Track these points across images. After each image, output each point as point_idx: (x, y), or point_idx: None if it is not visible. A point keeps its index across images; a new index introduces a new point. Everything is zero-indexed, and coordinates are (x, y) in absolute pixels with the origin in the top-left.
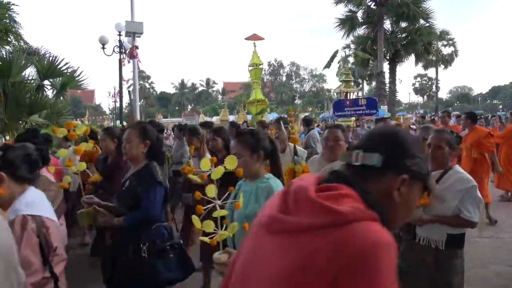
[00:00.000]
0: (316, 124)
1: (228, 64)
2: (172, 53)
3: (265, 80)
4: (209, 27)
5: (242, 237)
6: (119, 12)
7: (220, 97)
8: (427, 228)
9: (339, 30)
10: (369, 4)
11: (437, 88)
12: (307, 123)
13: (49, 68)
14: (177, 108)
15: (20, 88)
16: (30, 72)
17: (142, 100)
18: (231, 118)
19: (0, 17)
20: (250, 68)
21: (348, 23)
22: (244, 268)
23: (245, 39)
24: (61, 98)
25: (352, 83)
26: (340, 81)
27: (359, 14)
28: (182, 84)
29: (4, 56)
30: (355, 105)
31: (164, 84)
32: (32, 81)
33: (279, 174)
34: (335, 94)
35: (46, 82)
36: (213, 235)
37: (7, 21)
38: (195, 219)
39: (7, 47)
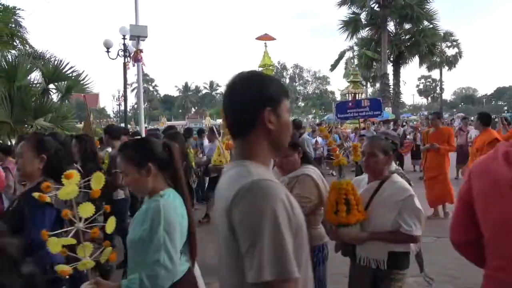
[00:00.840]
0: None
1: (232, 67)
2: (175, 56)
3: None
4: (212, 29)
5: (133, 264)
6: (123, 16)
7: None
8: (367, 247)
9: (343, 32)
10: (372, 6)
11: (441, 89)
12: (297, 126)
13: (54, 72)
14: (180, 111)
15: (26, 92)
16: (35, 76)
17: (146, 103)
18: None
19: (6, 21)
20: (261, 69)
21: (351, 25)
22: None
23: (256, 39)
24: (66, 101)
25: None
26: (348, 82)
27: (363, 16)
28: (186, 87)
29: (10, 60)
30: (358, 106)
31: (167, 87)
32: (37, 85)
33: (180, 187)
34: (344, 95)
35: (51, 86)
36: (75, 263)
37: (13, 25)
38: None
39: (13, 51)
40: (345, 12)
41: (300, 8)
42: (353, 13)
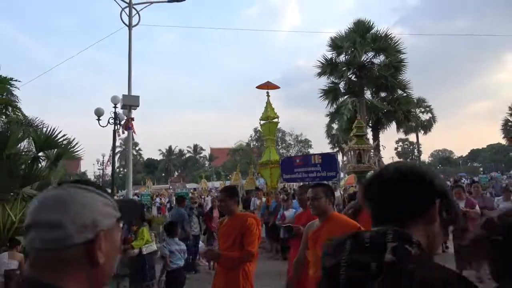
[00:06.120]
0: None
1: (217, 130)
2: (159, 120)
3: (251, 146)
4: (192, 92)
5: None
6: (113, 84)
7: (207, 163)
8: None
9: (323, 99)
10: (350, 76)
11: (419, 152)
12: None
13: (46, 140)
14: (163, 174)
15: (15, 160)
16: (25, 144)
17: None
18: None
19: (1, 91)
20: (263, 122)
21: (331, 94)
22: None
23: (257, 87)
24: (54, 168)
25: (370, 135)
26: (352, 136)
27: (341, 85)
28: (170, 151)
29: (1, 129)
30: (307, 164)
31: (151, 151)
32: (28, 153)
33: None
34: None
35: (41, 153)
36: None
37: (4, 94)
38: None
39: (4, 119)
40: (324, 81)
41: (277, 77)
42: (332, 82)
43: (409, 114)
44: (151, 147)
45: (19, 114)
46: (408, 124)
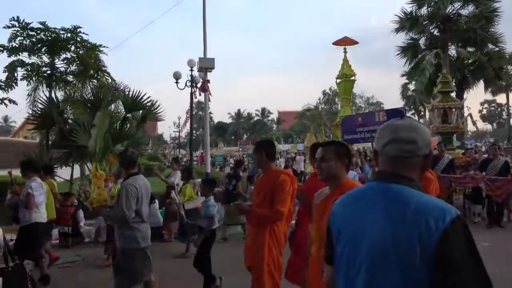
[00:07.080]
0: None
1: (283, 94)
2: (227, 84)
3: (320, 109)
4: (259, 56)
5: None
6: (190, 48)
7: (275, 126)
8: None
9: (400, 58)
10: (432, 30)
11: (509, 114)
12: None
13: (133, 102)
14: (233, 137)
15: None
16: (115, 105)
17: (200, 130)
18: (301, 146)
19: (94, 57)
20: (339, 80)
21: (410, 51)
22: None
23: (334, 43)
24: (141, 129)
25: (453, 94)
26: (437, 93)
27: (421, 41)
28: (238, 114)
29: (94, 92)
30: (370, 123)
31: (220, 114)
32: (118, 114)
33: None
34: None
35: (129, 114)
36: None
37: (93, 60)
38: None
39: (96, 83)
40: (402, 38)
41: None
42: (411, 38)
43: (500, 71)
44: (220, 111)
45: (108, 78)
46: (498, 82)
